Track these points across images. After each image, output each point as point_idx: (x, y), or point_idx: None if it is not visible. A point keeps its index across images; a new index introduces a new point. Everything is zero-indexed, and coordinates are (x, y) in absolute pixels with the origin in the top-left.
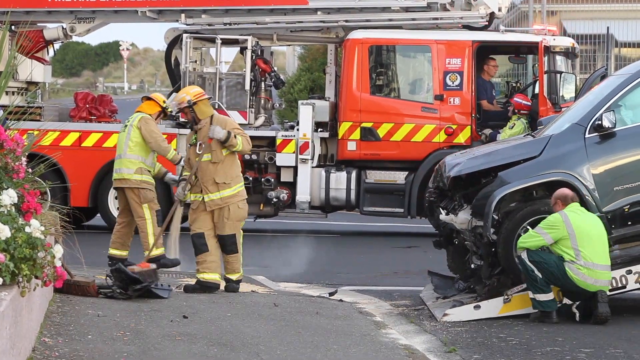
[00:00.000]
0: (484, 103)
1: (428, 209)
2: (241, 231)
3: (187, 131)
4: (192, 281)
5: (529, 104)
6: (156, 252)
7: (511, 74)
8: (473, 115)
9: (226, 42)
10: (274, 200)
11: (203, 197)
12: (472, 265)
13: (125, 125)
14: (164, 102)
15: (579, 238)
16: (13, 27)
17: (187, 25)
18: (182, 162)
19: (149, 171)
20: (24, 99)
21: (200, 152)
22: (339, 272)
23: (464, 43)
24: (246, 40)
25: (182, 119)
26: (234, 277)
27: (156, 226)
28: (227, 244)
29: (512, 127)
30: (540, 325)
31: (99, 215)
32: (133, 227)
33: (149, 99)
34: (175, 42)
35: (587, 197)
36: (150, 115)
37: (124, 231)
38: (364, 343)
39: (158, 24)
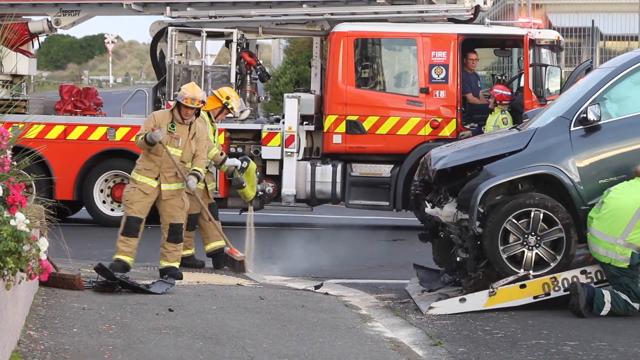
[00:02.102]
0: (470, 96)
1: (413, 202)
2: None
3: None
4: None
5: (510, 93)
6: (184, 252)
7: (496, 67)
8: (458, 108)
9: (211, 35)
10: (260, 193)
11: (160, 185)
12: (458, 259)
13: None
14: (228, 97)
15: (601, 207)
16: None
17: (172, 18)
18: (229, 163)
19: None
20: (9, 92)
21: (179, 147)
22: (324, 265)
23: (449, 36)
24: (231, 33)
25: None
26: (177, 264)
27: (186, 230)
28: (177, 232)
29: (505, 122)
30: (526, 318)
31: (84, 208)
32: (207, 218)
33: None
34: (160, 35)
35: (572, 190)
36: (208, 111)
37: (203, 224)
38: (349, 336)
39: (143, 17)
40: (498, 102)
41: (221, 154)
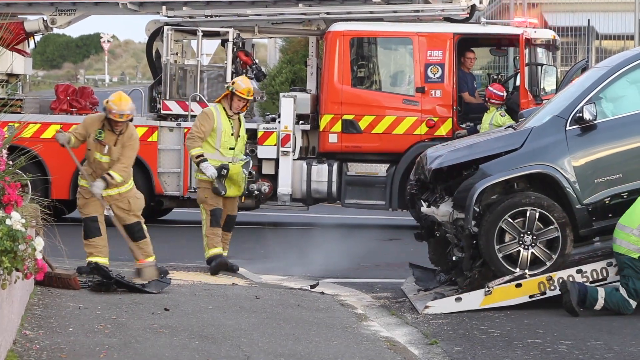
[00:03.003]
0: (466, 95)
1: (409, 201)
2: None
3: (171, 124)
4: (173, 273)
5: (502, 94)
6: (210, 252)
7: (492, 66)
8: (454, 107)
9: (207, 35)
10: (256, 192)
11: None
12: (454, 258)
13: None
14: (233, 82)
15: None
16: None
17: (168, 17)
18: (202, 168)
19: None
20: (5, 91)
21: (105, 153)
22: (320, 265)
23: (445, 35)
24: (227, 32)
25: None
26: (151, 259)
27: (208, 227)
28: (134, 231)
29: (503, 115)
30: (522, 317)
31: None
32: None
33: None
34: (156, 34)
35: (568, 189)
36: (220, 102)
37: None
38: (345, 335)
39: (139, 16)
40: (487, 99)
41: (198, 156)
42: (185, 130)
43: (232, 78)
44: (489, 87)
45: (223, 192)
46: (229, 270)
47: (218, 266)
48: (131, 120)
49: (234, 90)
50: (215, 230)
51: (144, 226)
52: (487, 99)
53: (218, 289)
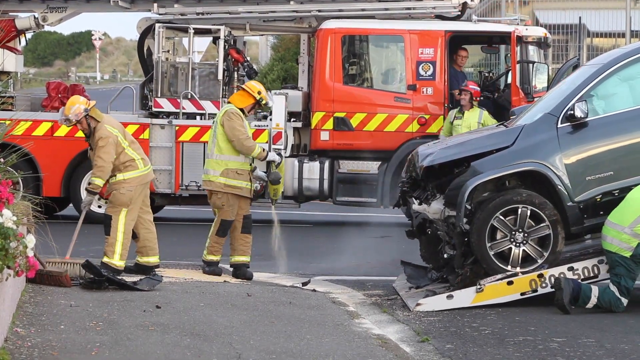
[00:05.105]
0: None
1: (401, 198)
2: (122, 219)
3: (163, 121)
4: (165, 273)
5: (479, 89)
6: (208, 257)
7: (484, 64)
8: (446, 105)
9: (199, 32)
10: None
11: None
12: (445, 255)
13: (214, 121)
14: (259, 92)
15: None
16: None
17: (159, 14)
18: (270, 158)
19: (240, 173)
20: None
21: (90, 155)
22: (312, 262)
23: (436, 33)
24: (219, 30)
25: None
26: (106, 259)
27: (214, 234)
28: (104, 224)
29: (492, 117)
30: (513, 314)
31: (71, 205)
32: (239, 230)
33: (243, 88)
34: (147, 31)
35: (559, 187)
36: (241, 108)
37: (234, 235)
38: (337, 333)
39: (130, 14)
40: (474, 97)
41: (263, 151)
42: (177, 127)
43: (223, 75)
44: (472, 86)
45: (281, 179)
46: (242, 277)
47: (212, 273)
48: (77, 123)
49: (266, 104)
50: (219, 239)
51: (115, 225)
52: (474, 97)
53: (210, 287)
